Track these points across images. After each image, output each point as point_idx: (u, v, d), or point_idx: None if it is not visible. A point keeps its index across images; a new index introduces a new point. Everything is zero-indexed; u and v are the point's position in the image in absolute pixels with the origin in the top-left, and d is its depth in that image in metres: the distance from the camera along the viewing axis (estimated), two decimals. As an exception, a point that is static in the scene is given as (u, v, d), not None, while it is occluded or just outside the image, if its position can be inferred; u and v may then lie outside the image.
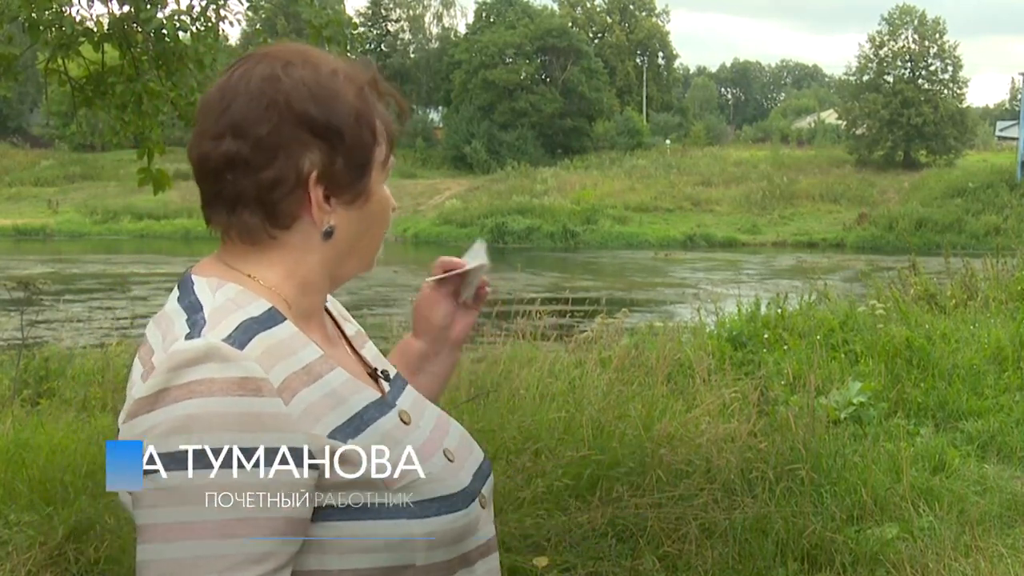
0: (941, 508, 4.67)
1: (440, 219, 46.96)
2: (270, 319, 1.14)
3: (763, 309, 8.79)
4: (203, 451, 1.04)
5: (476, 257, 1.47)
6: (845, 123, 56.50)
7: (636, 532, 4.16)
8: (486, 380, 6.09)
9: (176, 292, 1.18)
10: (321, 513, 1.11)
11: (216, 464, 1.04)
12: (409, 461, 1.16)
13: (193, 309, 1.13)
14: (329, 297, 1.36)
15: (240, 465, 1.04)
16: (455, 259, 1.48)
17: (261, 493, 1.05)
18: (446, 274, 1.47)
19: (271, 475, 1.05)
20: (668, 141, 61.46)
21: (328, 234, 1.19)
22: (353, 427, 1.15)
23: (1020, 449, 5.82)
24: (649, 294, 23.86)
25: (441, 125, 65.00)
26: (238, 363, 1.06)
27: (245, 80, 1.16)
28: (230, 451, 1.04)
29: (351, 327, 1.38)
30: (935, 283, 11.21)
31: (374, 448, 1.14)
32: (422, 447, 1.21)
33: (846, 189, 48.65)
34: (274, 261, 1.19)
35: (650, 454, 4.61)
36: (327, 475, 1.10)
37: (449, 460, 1.24)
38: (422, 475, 1.16)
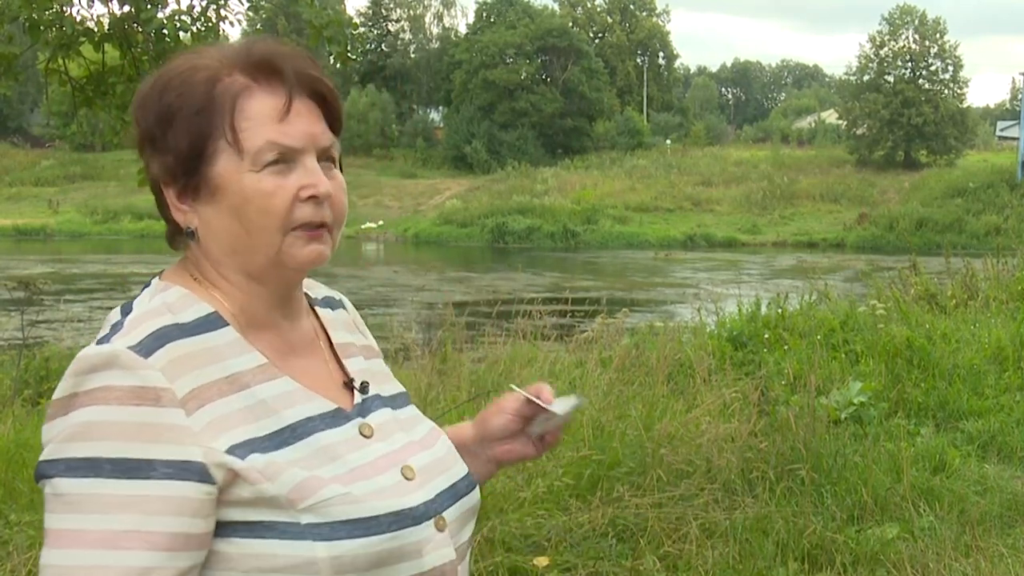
0: (941, 508, 4.67)
1: (440, 219, 46.98)
2: (201, 326, 1.12)
3: (763, 309, 8.78)
4: (95, 459, 1.02)
5: (565, 405, 1.39)
6: (845, 123, 56.54)
7: (637, 532, 4.16)
8: (486, 380, 6.09)
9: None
10: (225, 528, 1.08)
11: (106, 473, 1.02)
12: (331, 480, 1.11)
13: (124, 312, 1.14)
14: (342, 306, 1.36)
15: (129, 476, 1.02)
16: (549, 395, 1.38)
17: (148, 506, 1.02)
18: (535, 398, 1.38)
19: (160, 489, 1.03)
20: (668, 141, 61.49)
21: (190, 234, 1.17)
22: (277, 440, 1.10)
23: (1021, 449, 5.82)
24: (649, 294, 23.87)
25: (441, 125, 65.04)
26: (138, 372, 1.05)
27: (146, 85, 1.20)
28: (120, 461, 1.02)
29: (346, 336, 1.32)
30: (935, 283, 11.21)
31: (287, 463, 1.09)
32: (371, 463, 1.16)
33: (846, 189, 48.67)
34: (200, 266, 1.18)
35: (651, 454, 4.61)
36: (228, 491, 1.07)
37: (406, 478, 1.18)
38: (334, 495, 1.10)
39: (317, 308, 1.31)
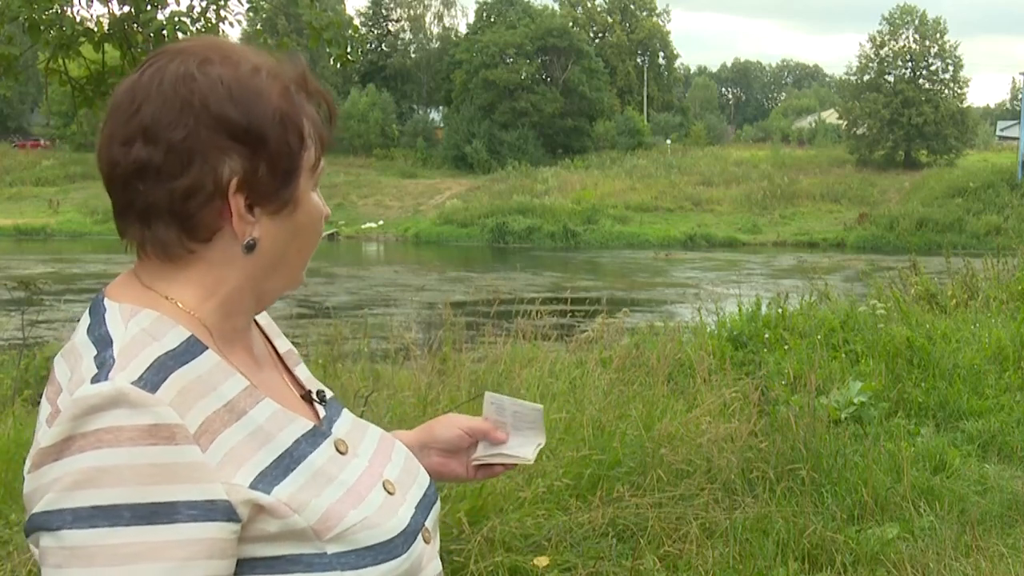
0: (942, 508, 4.66)
1: (440, 219, 46.99)
2: (188, 351, 1.04)
3: (764, 309, 8.78)
4: (111, 507, 0.94)
5: (525, 449, 1.43)
6: (846, 123, 56.56)
7: (637, 532, 4.16)
8: (486, 380, 6.09)
9: (86, 320, 1.07)
10: (246, 565, 1.02)
11: (125, 521, 0.94)
12: (344, 504, 1.08)
13: (103, 344, 1.02)
14: (263, 312, 1.26)
15: (152, 522, 0.95)
16: (504, 436, 1.45)
17: (176, 552, 0.95)
18: (501, 454, 1.43)
19: (187, 532, 0.96)
20: (669, 141, 61.52)
21: (250, 247, 1.08)
22: (282, 467, 1.06)
23: (1021, 449, 5.81)
24: (650, 294, 23.87)
25: (442, 125, 65.06)
26: (149, 409, 0.96)
27: (157, 79, 1.05)
28: (141, 506, 0.94)
29: (283, 344, 1.28)
30: (936, 283, 11.22)
31: (302, 492, 1.05)
32: (359, 481, 1.13)
33: (847, 189, 48.68)
34: (192, 279, 1.08)
35: (651, 454, 4.61)
36: (251, 526, 1.01)
37: (389, 493, 1.15)
38: (356, 520, 1.07)
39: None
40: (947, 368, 7.15)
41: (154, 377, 0.98)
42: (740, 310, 8.83)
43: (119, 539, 0.94)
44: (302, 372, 1.25)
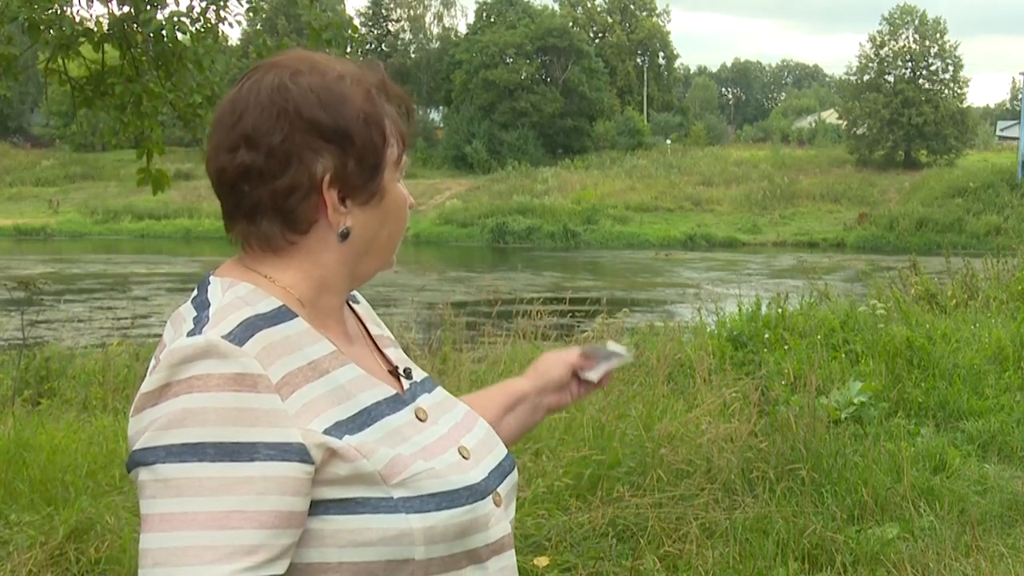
0: (942, 508, 4.66)
1: (441, 219, 46.98)
2: (278, 316, 1.17)
3: (764, 309, 8.78)
4: (198, 444, 1.06)
5: (619, 351, 1.63)
6: (846, 123, 56.53)
7: (637, 532, 4.16)
8: (486, 380, 6.09)
9: (193, 292, 1.22)
10: (319, 506, 1.12)
11: (210, 457, 1.06)
12: (413, 457, 1.18)
13: (201, 307, 1.16)
14: (362, 300, 1.42)
15: (234, 459, 1.06)
16: (600, 349, 1.64)
17: (253, 487, 1.06)
18: (607, 365, 1.62)
19: (264, 469, 1.07)
20: (669, 141, 61.50)
21: (345, 235, 1.22)
22: (358, 422, 1.17)
23: (1021, 449, 5.82)
24: (650, 294, 23.87)
25: (442, 125, 65.04)
26: (236, 359, 1.09)
27: (255, 91, 1.19)
28: (224, 445, 1.06)
29: (377, 329, 1.40)
30: (936, 283, 11.22)
31: (374, 443, 1.16)
32: (434, 444, 1.23)
33: (847, 189, 48.66)
34: (291, 264, 1.22)
35: (651, 454, 4.61)
36: (324, 470, 1.12)
37: (464, 457, 1.25)
38: (421, 469, 1.17)
39: (350, 303, 1.38)
40: (947, 368, 7.15)
41: (243, 333, 1.11)
42: (740, 310, 8.83)
43: (204, 473, 1.06)
44: (393, 353, 1.37)
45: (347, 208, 1.21)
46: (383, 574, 1.14)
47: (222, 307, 1.15)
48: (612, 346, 1.64)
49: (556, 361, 1.61)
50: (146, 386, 1.10)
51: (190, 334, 1.11)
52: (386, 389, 1.24)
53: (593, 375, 1.60)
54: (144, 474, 1.08)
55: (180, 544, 1.05)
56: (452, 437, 1.27)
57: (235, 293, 1.18)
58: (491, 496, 1.25)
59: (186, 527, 1.05)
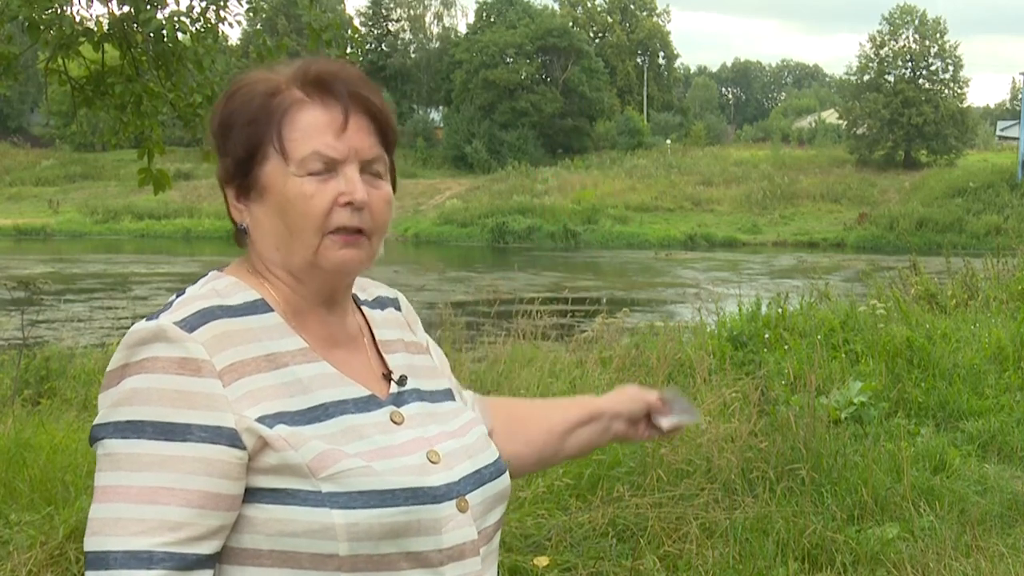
0: (942, 508, 4.66)
1: (440, 219, 46.97)
2: (249, 309, 1.23)
3: (764, 309, 8.78)
4: (140, 422, 1.13)
5: (692, 411, 1.64)
6: (846, 123, 56.49)
7: (637, 532, 4.16)
8: (486, 380, 6.09)
9: None
10: (255, 494, 1.16)
11: (148, 435, 1.12)
12: (359, 455, 1.18)
13: (177, 295, 1.24)
14: (401, 302, 1.45)
15: (168, 438, 1.12)
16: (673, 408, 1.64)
17: (183, 466, 1.12)
18: (679, 419, 1.63)
19: (195, 450, 1.12)
20: (669, 141, 61.44)
21: (244, 231, 1.27)
22: (310, 416, 1.19)
23: (1021, 449, 5.82)
24: (650, 294, 23.86)
25: (441, 125, 65.00)
26: (182, 344, 1.15)
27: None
28: (161, 424, 1.12)
29: (389, 334, 1.38)
30: (936, 283, 11.22)
31: (315, 437, 1.17)
32: (399, 446, 1.23)
33: (847, 189, 48.64)
34: (253, 260, 1.28)
35: (651, 454, 4.61)
36: (257, 458, 1.16)
37: (431, 462, 1.24)
38: (354, 467, 1.17)
39: (364, 308, 1.39)
40: (947, 368, 7.15)
41: (195, 321, 1.17)
42: (740, 310, 8.83)
43: (142, 449, 1.12)
44: (396, 359, 1.36)
45: (243, 204, 1.26)
46: (309, 565, 1.16)
47: (191, 296, 1.22)
48: (687, 404, 1.67)
49: (637, 395, 1.63)
50: (110, 365, 1.18)
51: (148, 318, 1.19)
52: (359, 390, 1.26)
53: (665, 423, 1.62)
54: (97, 448, 1.16)
55: (112, 515, 1.11)
56: (428, 442, 1.27)
57: (213, 286, 1.24)
58: (453, 501, 1.24)
59: (120, 499, 1.12)
